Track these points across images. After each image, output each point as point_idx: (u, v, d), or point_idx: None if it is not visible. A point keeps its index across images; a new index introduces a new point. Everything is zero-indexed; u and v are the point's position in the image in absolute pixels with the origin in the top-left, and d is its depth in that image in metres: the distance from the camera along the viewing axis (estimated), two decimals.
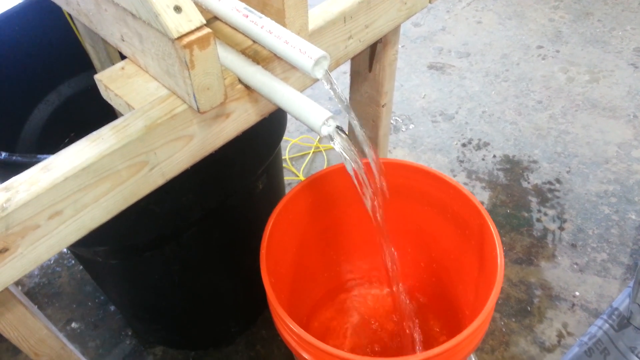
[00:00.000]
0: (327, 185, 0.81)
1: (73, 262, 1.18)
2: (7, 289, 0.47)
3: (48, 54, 0.82)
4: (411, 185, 0.81)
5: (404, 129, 1.46)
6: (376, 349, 0.88)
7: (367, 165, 0.59)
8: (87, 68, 0.76)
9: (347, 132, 0.51)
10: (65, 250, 1.17)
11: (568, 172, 1.31)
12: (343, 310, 0.93)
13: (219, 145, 0.54)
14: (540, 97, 1.52)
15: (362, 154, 0.56)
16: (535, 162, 1.34)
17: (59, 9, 0.62)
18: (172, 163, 0.50)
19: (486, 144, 1.39)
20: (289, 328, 0.61)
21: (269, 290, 0.64)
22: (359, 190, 0.59)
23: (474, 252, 0.77)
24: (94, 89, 0.60)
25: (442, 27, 1.80)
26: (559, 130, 1.42)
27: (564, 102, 1.50)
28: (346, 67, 0.83)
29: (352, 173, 0.56)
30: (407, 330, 0.85)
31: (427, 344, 0.61)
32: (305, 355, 0.62)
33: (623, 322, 0.99)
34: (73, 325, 1.08)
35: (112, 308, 1.10)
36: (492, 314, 0.65)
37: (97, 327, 1.07)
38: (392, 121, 1.48)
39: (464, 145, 1.40)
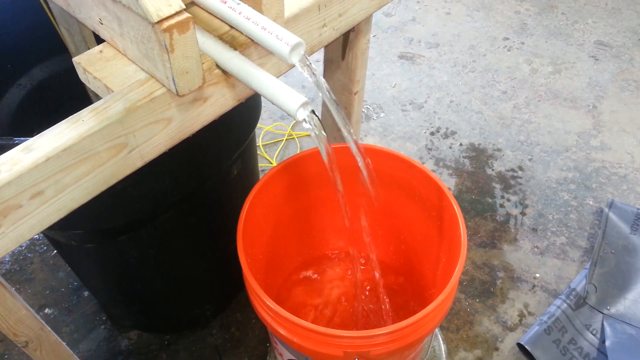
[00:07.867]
0: (301, 169, 0.83)
1: (45, 247, 1.17)
2: None
3: (20, 37, 0.81)
4: (381, 170, 0.83)
5: (375, 117, 1.49)
6: (348, 323, 0.91)
7: (347, 148, 0.62)
8: (61, 52, 0.76)
9: (320, 117, 0.54)
10: (37, 235, 1.16)
11: (530, 159, 1.36)
12: (317, 288, 0.95)
13: (197, 128, 0.55)
14: (505, 88, 1.57)
15: (341, 136, 0.57)
16: (499, 150, 1.39)
17: None
18: (150, 145, 0.51)
19: (453, 133, 1.44)
20: (265, 305, 0.63)
21: (246, 269, 0.65)
22: (330, 173, 0.62)
23: (439, 232, 0.80)
24: (68, 73, 0.60)
25: (413, 18, 1.83)
26: (522, 120, 1.47)
27: (527, 92, 1.55)
28: (319, 55, 0.85)
29: (324, 156, 0.59)
30: (378, 307, 0.88)
31: (396, 320, 0.64)
32: (281, 330, 0.64)
33: (580, 302, 1.05)
34: (47, 311, 1.07)
35: (86, 293, 1.09)
36: (455, 290, 0.69)
37: (71, 313, 1.07)
38: (363, 109, 1.50)
39: (432, 133, 1.44)
